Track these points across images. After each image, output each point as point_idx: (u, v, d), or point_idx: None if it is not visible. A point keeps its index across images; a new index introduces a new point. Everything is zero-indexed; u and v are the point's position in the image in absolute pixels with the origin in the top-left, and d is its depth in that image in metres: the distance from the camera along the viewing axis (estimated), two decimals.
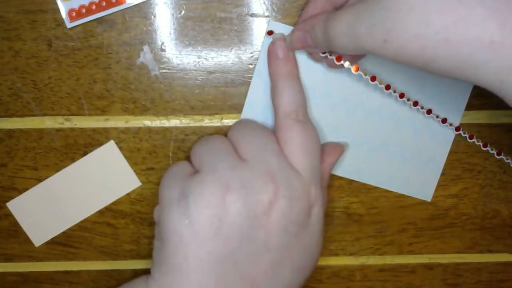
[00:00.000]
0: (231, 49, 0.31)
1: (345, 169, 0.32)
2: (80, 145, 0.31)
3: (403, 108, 0.31)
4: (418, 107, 0.30)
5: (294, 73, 0.29)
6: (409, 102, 0.30)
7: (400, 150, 0.32)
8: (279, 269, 0.26)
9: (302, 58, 0.30)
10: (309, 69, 0.30)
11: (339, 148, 0.31)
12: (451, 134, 0.32)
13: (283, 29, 0.30)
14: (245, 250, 0.25)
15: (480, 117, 0.32)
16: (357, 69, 0.28)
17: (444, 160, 0.32)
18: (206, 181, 0.25)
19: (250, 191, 0.25)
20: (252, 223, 0.25)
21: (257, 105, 0.31)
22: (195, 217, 0.25)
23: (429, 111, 0.31)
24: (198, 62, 0.31)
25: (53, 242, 0.33)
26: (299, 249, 0.26)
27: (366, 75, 0.29)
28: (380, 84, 0.29)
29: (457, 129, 0.31)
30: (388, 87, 0.29)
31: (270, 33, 0.30)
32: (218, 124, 0.31)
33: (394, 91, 0.29)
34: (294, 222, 0.26)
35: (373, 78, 0.29)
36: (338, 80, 0.31)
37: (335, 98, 0.31)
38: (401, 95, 0.30)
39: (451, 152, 0.32)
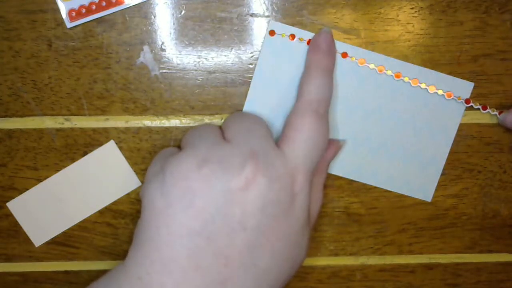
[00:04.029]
0: (231, 49, 0.31)
1: (345, 169, 0.32)
2: (80, 145, 0.31)
3: (403, 108, 0.31)
4: (426, 87, 0.31)
5: (330, 68, 0.29)
6: (424, 87, 0.30)
7: (400, 150, 0.32)
8: (256, 251, 0.25)
9: (298, 57, 0.30)
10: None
11: (336, 144, 0.31)
12: (451, 135, 0.32)
13: (284, 29, 0.30)
14: (219, 226, 0.24)
15: (480, 117, 0.32)
16: (363, 62, 0.30)
17: (444, 161, 0.32)
18: (184, 156, 0.25)
19: (227, 166, 0.25)
20: (227, 198, 0.24)
21: (257, 105, 0.31)
22: (169, 188, 0.25)
23: (432, 87, 0.31)
24: (198, 62, 0.31)
25: (53, 242, 0.33)
26: (279, 234, 0.26)
27: (373, 66, 0.30)
28: (389, 73, 0.29)
29: (467, 101, 0.31)
30: (398, 75, 0.29)
31: (271, 33, 0.30)
32: (218, 124, 0.31)
33: (406, 78, 0.30)
34: (273, 204, 0.25)
35: (381, 69, 0.29)
36: (338, 81, 0.31)
37: (335, 97, 0.31)
38: (414, 81, 0.30)
39: (451, 152, 0.32)
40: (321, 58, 0.29)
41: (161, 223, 0.25)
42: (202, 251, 0.24)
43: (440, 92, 0.31)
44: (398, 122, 0.32)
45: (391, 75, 0.31)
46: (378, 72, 0.31)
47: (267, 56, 0.30)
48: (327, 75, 0.29)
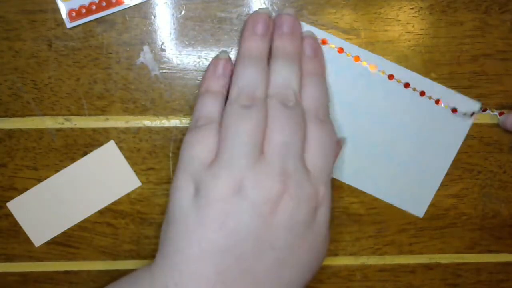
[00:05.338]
0: (231, 49, 0.31)
1: (342, 173, 0.32)
2: (80, 145, 0.31)
3: (408, 119, 0.31)
4: (433, 100, 0.31)
5: (320, 71, 0.29)
6: (431, 99, 0.31)
7: (399, 161, 0.32)
8: (283, 267, 0.26)
9: None
10: None
11: (338, 143, 0.31)
12: (452, 153, 0.32)
13: None
14: (249, 246, 0.25)
15: (480, 117, 0.32)
16: (375, 68, 0.30)
17: (441, 179, 0.32)
18: (221, 176, 0.25)
19: (260, 191, 0.25)
20: (258, 222, 0.25)
21: None
22: (204, 208, 0.25)
23: (438, 101, 0.31)
24: (198, 62, 0.31)
25: (53, 242, 0.33)
26: (304, 248, 0.26)
27: (383, 74, 0.30)
28: (398, 82, 0.30)
29: (471, 114, 0.31)
30: (407, 85, 0.30)
31: None
32: None
33: (414, 89, 0.30)
34: (300, 223, 0.26)
35: (391, 77, 0.29)
36: (344, 84, 0.31)
37: (342, 101, 0.31)
38: (422, 93, 0.30)
39: None
40: (308, 63, 0.29)
41: (193, 239, 0.25)
42: (230, 268, 0.25)
43: (446, 107, 0.31)
44: (401, 133, 0.31)
45: (401, 84, 0.31)
46: (388, 80, 0.30)
47: None
48: (318, 79, 0.29)
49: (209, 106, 0.28)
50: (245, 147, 0.25)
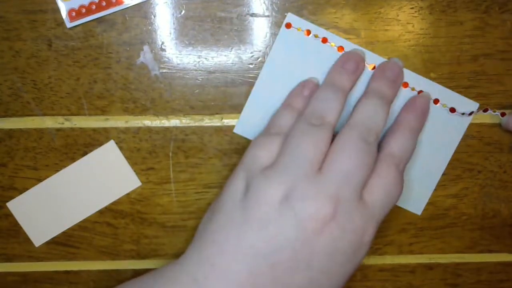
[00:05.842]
0: (231, 49, 0.31)
1: None
2: (80, 145, 0.31)
3: None
4: (431, 100, 0.31)
5: (419, 128, 0.30)
6: (430, 99, 0.31)
7: None
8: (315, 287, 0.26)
9: (310, 54, 0.30)
10: (313, 70, 0.30)
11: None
12: (450, 152, 0.32)
13: (300, 23, 0.30)
14: (286, 258, 0.25)
15: (480, 117, 0.32)
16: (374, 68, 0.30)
17: (439, 176, 0.32)
18: (272, 180, 0.25)
19: (306, 206, 0.25)
20: (298, 235, 0.25)
21: (263, 97, 0.31)
22: (251, 208, 0.25)
23: (436, 101, 0.31)
24: (198, 62, 0.31)
25: (53, 242, 0.33)
26: (340, 277, 0.26)
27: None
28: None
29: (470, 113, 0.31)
30: (405, 84, 0.30)
31: (288, 25, 0.30)
32: (218, 124, 0.31)
33: (413, 89, 0.30)
34: (341, 253, 0.26)
35: None
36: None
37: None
38: (420, 92, 0.30)
39: None
40: (415, 120, 0.29)
41: (233, 235, 0.25)
42: (263, 273, 0.25)
43: (444, 106, 0.31)
44: None
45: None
46: None
47: (280, 48, 0.30)
48: (415, 138, 0.29)
49: (285, 119, 0.28)
50: (302, 159, 0.26)
